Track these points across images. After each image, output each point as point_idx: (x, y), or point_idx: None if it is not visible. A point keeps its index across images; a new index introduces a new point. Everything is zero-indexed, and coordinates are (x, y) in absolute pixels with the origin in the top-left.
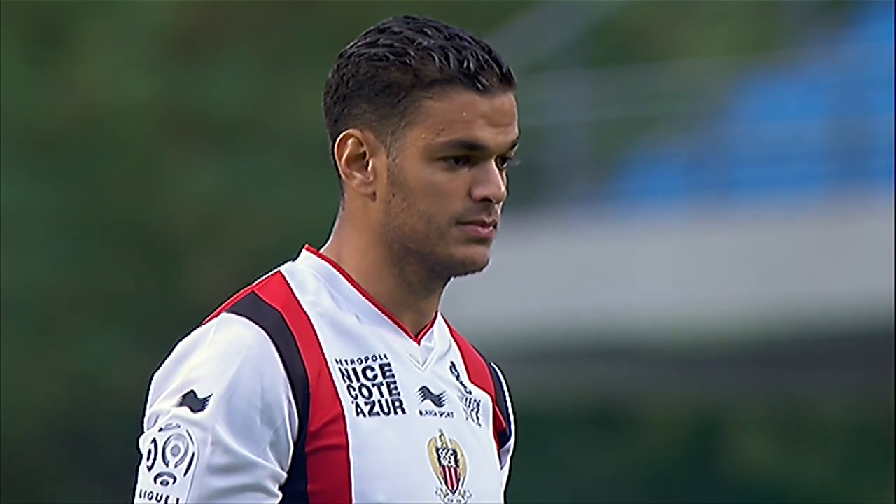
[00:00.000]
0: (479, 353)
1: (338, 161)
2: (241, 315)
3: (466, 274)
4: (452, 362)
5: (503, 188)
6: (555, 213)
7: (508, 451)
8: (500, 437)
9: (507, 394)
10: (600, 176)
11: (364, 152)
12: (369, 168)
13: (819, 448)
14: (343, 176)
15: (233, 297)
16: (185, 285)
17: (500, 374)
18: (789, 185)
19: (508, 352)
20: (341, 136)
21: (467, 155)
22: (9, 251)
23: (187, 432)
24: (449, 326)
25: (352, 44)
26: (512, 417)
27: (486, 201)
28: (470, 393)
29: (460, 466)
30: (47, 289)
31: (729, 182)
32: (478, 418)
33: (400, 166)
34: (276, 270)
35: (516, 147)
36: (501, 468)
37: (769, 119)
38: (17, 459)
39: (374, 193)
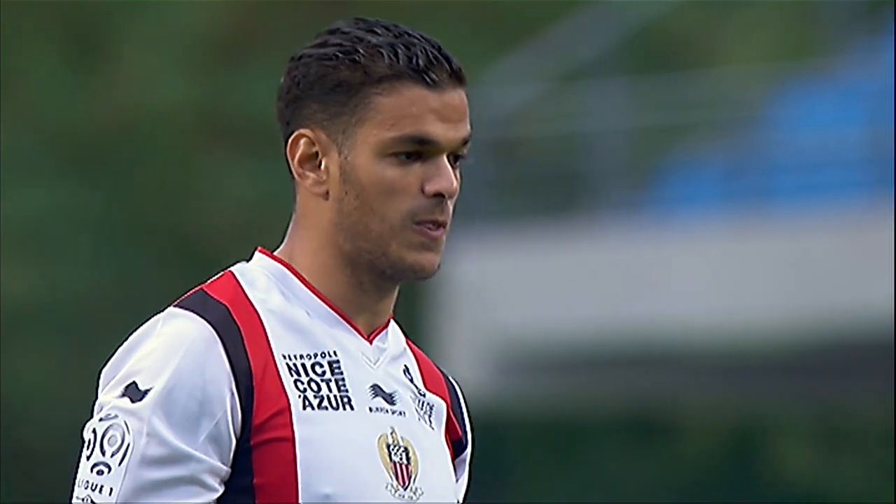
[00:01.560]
0: (438, 367)
1: (291, 162)
2: (187, 309)
3: (416, 279)
4: (406, 366)
5: (455, 183)
6: (593, 220)
7: (465, 460)
8: (456, 447)
9: (463, 406)
10: (638, 183)
11: (316, 152)
12: (322, 167)
13: (858, 455)
14: (296, 176)
15: (182, 296)
16: None
17: (457, 387)
18: (827, 192)
19: (546, 359)
20: (293, 136)
21: (419, 151)
22: (48, 257)
23: (124, 422)
24: (406, 338)
25: (302, 47)
26: (469, 429)
27: (439, 197)
28: (423, 396)
29: (412, 464)
30: (86, 294)
31: (767, 189)
32: (430, 421)
33: (352, 164)
34: (226, 270)
35: (468, 144)
36: (458, 478)
37: (807, 126)
38: (57, 466)
39: (327, 192)
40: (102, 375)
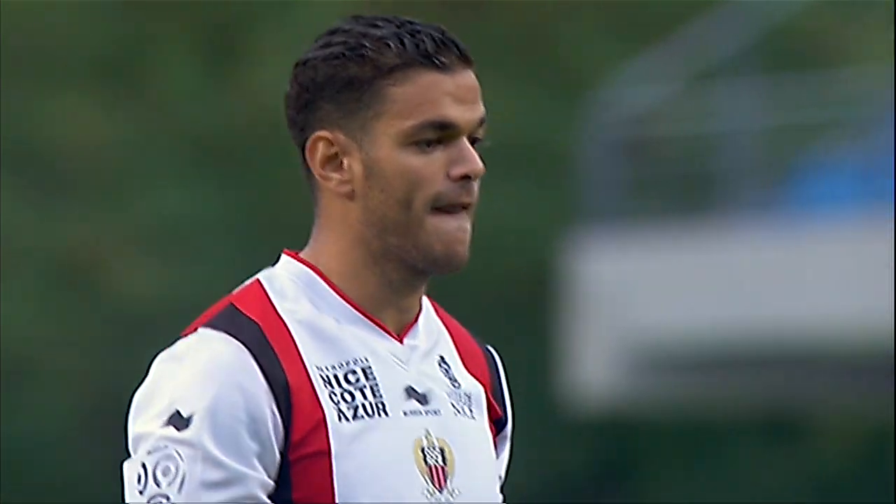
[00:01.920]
0: (474, 338)
1: (311, 166)
2: (219, 330)
3: (447, 272)
4: (441, 356)
5: (480, 164)
6: (726, 220)
7: (506, 437)
8: (497, 425)
9: (503, 379)
10: (772, 183)
11: (336, 152)
12: (344, 167)
13: None
14: (319, 179)
15: (210, 309)
16: None
17: (496, 357)
18: None
19: (680, 360)
20: (311, 140)
21: (439, 136)
22: (184, 257)
23: (176, 452)
24: (439, 312)
25: (305, 52)
26: (508, 402)
27: (466, 179)
28: (459, 387)
29: (448, 464)
30: (222, 294)
31: None
32: (470, 411)
33: (374, 159)
34: (254, 278)
35: (484, 125)
36: (499, 455)
37: None
38: None
39: (353, 191)
40: (135, 402)
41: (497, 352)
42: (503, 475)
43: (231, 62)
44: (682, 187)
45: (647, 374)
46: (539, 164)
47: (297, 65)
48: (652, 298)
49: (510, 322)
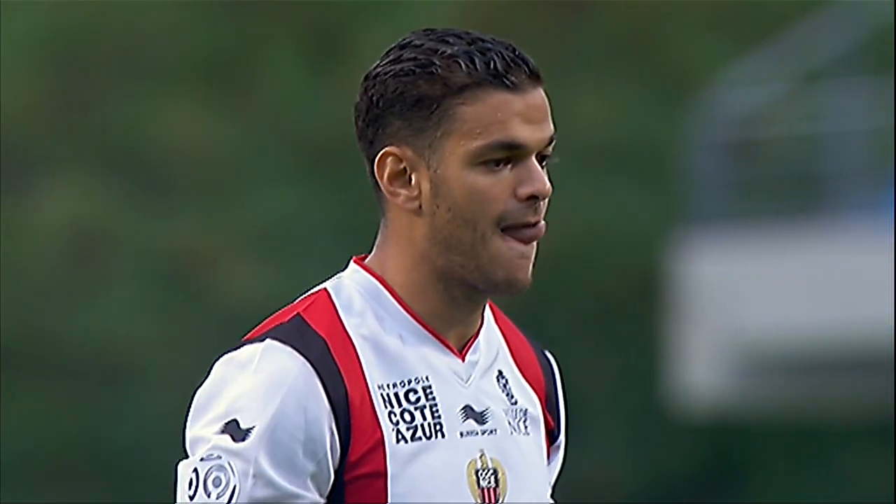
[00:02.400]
0: (531, 342)
1: (380, 181)
2: (286, 343)
3: (509, 295)
4: (500, 371)
5: (548, 184)
6: (834, 221)
7: (559, 446)
8: (550, 436)
9: (558, 388)
10: (879, 184)
11: (404, 168)
12: (412, 183)
13: None
14: (387, 194)
15: (278, 314)
16: None
17: (552, 363)
18: None
19: (787, 362)
20: (379, 155)
21: (508, 156)
22: (291, 258)
23: (229, 464)
24: (497, 318)
25: (375, 64)
26: (563, 411)
27: (533, 199)
28: (515, 403)
29: (500, 486)
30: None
31: None
32: (526, 428)
33: (442, 177)
34: (321, 287)
35: (553, 143)
36: (550, 464)
37: None
38: None
39: (420, 208)
40: (196, 402)
41: (555, 357)
42: (552, 481)
43: (336, 63)
44: (789, 189)
45: (753, 377)
46: (645, 166)
47: (366, 77)
48: (758, 300)
49: (617, 324)
